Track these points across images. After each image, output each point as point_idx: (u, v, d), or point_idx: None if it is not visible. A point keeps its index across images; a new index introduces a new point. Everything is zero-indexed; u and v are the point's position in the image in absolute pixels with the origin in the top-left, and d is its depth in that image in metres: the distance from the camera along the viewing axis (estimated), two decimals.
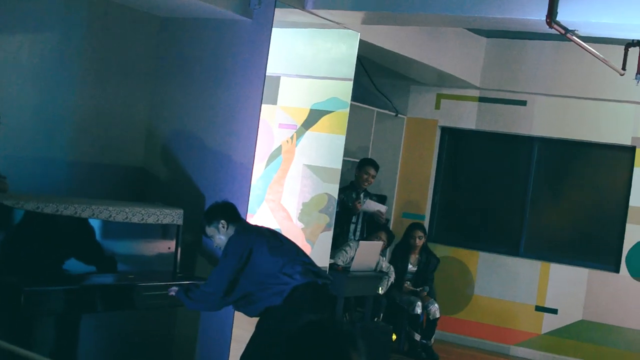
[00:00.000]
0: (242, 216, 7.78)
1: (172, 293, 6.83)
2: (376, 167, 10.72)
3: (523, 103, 11.57)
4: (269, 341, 6.43)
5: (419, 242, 10.91)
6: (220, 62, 7.95)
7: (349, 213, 10.39)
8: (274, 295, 6.57)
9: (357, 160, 11.03)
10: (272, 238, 6.84)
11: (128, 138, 8.22)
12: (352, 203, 10.36)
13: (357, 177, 10.67)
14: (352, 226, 10.49)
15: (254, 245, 6.64)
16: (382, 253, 10.23)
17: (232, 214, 6.89)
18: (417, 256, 10.95)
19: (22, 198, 6.49)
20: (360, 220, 10.60)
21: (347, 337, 2.56)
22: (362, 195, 10.61)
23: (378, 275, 9.69)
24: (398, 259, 10.75)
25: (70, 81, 7.65)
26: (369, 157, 11.25)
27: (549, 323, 11.33)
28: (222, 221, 6.79)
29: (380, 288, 10.02)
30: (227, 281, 6.58)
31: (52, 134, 7.56)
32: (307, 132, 10.17)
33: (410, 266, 10.90)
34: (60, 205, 6.64)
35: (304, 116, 10.46)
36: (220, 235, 6.77)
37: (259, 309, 6.67)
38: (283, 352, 2.56)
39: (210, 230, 6.81)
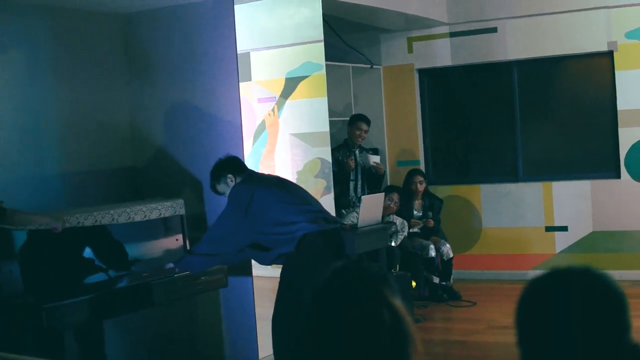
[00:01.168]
0: None
1: (170, 266, 6.91)
2: (367, 121, 10.72)
3: (494, 30, 11.55)
4: (295, 297, 6.40)
5: (420, 187, 10.94)
6: (190, 48, 7.93)
7: (345, 171, 10.40)
8: (284, 243, 6.55)
9: (344, 119, 11.02)
10: (278, 185, 6.81)
11: (114, 141, 8.20)
12: (345, 160, 10.36)
13: (349, 134, 10.68)
14: (352, 183, 10.50)
15: (255, 192, 6.62)
16: (397, 213, 10.35)
17: (237, 166, 6.89)
18: (420, 201, 10.97)
19: None
20: (359, 176, 10.61)
21: (378, 276, 2.50)
22: (356, 152, 10.62)
23: (386, 226, 9.71)
24: (403, 208, 10.76)
25: (46, 96, 7.62)
26: (354, 112, 11.24)
27: (562, 241, 11.36)
28: (229, 175, 6.82)
29: (392, 241, 10.05)
30: (226, 233, 6.61)
31: (38, 151, 7.54)
32: (287, 101, 10.17)
33: (415, 212, 10.92)
34: (64, 217, 6.62)
35: (280, 86, 10.45)
36: (229, 189, 6.79)
37: (271, 256, 6.64)
38: (314, 308, 2.48)
39: (220, 187, 6.84)
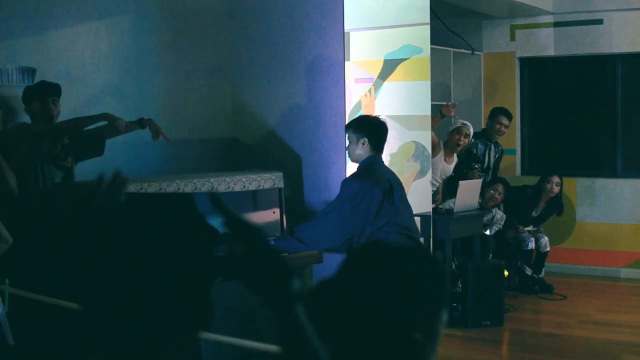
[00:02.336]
0: (341, 171, 7.75)
1: (270, 240, 6.75)
2: (509, 116, 10.56)
3: (599, 22, 11.33)
4: None
5: (555, 190, 10.65)
6: (297, 22, 7.89)
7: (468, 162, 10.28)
8: None
9: (440, 104, 10.89)
10: (387, 196, 6.59)
11: (216, 110, 8.21)
12: (469, 171, 10.20)
13: (489, 127, 10.55)
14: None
15: (367, 191, 6.38)
16: (499, 206, 10.15)
17: (378, 139, 6.59)
18: (544, 204, 10.73)
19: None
20: (489, 173, 10.53)
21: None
22: (492, 146, 10.45)
23: (482, 213, 9.59)
24: (527, 201, 10.58)
25: (150, 61, 7.65)
26: (452, 98, 11.11)
27: None
28: (366, 139, 6.49)
29: (487, 230, 9.92)
30: (330, 226, 6.43)
31: (140, 116, 7.56)
32: (385, 83, 10.07)
33: (533, 213, 10.70)
34: (163, 183, 6.64)
35: (379, 68, 10.36)
36: (355, 148, 6.52)
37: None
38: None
39: (350, 136, 6.56)
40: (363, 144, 6.50)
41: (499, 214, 10.12)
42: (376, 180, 6.48)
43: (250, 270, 1.93)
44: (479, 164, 10.31)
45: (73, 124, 6.49)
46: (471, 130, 10.06)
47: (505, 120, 10.43)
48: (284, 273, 1.97)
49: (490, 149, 10.47)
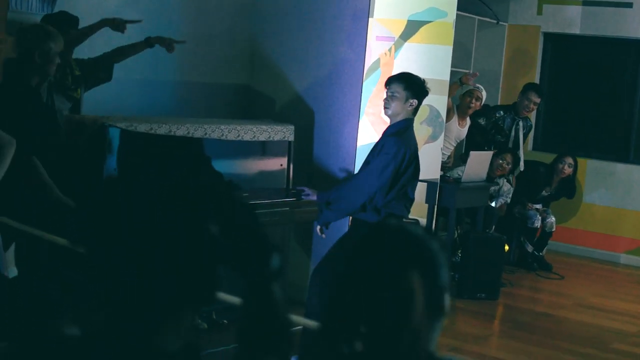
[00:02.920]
0: (354, 130, 7.70)
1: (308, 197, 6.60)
2: (540, 93, 10.40)
3: (629, 5, 11.20)
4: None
5: (567, 171, 10.57)
6: None
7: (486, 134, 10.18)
8: (373, 210, 6.32)
9: (460, 71, 10.79)
10: (415, 164, 6.49)
11: (233, 56, 8.15)
12: (513, 132, 10.15)
13: (519, 101, 10.38)
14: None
15: (404, 160, 6.23)
16: (507, 178, 10.03)
17: (420, 104, 6.42)
18: (556, 184, 10.66)
19: (135, 120, 6.47)
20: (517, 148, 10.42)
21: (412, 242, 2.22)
22: (520, 122, 10.34)
23: (489, 185, 9.54)
24: (539, 178, 10.52)
25: (170, 3, 7.59)
26: (471, 67, 11.02)
27: None
28: (416, 100, 6.31)
29: (494, 202, 9.86)
30: (379, 184, 6.19)
31: (158, 56, 7.51)
32: (406, 43, 9.98)
33: (544, 192, 10.64)
34: (173, 125, 6.61)
35: (401, 28, 10.26)
36: (400, 105, 6.26)
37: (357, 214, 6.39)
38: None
39: (399, 91, 6.25)
40: (412, 105, 6.31)
41: (507, 186, 10.04)
42: (412, 146, 6.39)
43: (230, 247, 1.91)
44: (504, 137, 10.22)
45: (76, 36, 6.40)
46: (484, 94, 9.98)
47: (535, 97, 10.25)
48: (264, 250, 1.94)
49: (518, 123, 10.35)
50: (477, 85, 9.94)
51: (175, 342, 1.89)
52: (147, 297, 1.85)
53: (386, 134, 6.39)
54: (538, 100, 10.32)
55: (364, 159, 6.48)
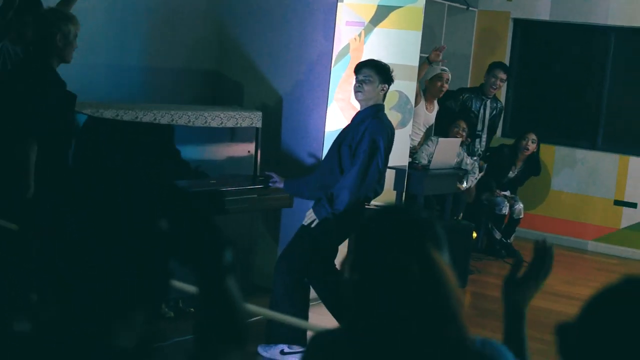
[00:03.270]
0: (322, 116, 7.66)
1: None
2: (506, 70, 10.41)
3: None
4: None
5: (531, 147, 10.57)
6: None
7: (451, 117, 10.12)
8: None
9: (427, 56, 10.75)
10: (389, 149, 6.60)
11: (201, 41, 8.08)
12: (481, 114, 10.10)
13: (485, 81, 10.36)
14: (477, 135, 10.22)
15: (387, 146, 6.40)
16: (465, 149, 9.93)
17: (388, 91, 6.57)
18: (521, 163, 10.65)
19: (101, 106, 6.40)
20: (485, 129, 10.34)
21: (421, 224, 2.33)
22: (487, 102, 10.30)
23: (457, 172, 9.52)
24: (504, 160, 10.51)
25: None
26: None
27: (628, 217, 11.14)
28: (387, 86, 6.46)
29: (464, 183, 9.80)
30: (364, 173, 6.28)
31: (124, 40, 7.45)
32: (376, 28, 9.94)
33: (511, 173, 10.64)
34: (140, 112, 6.54)
35: (371, 12, 10.22)
36: (373, 89, 6.38)
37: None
38: (354, 240, 2.37)
39: (372, 76, 6.38)
40: (382, 90, 6.44)
41: (469, 160, 9.92)
42: (390, 129, 6.51)
43: (183, 242, 1.91)
44: (475, 118, 10.17)
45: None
46: (450, 76, 9.94)
47: (501, 74, 10.24)
48: (217, 246, 1.94)
49: (486, 104, 10.32)
50: (443, 67, 9.91)
51: (129, 340, 1.88)
52: (97, 294, 1.83)
53: (363, 117, 6.40)
54: (504, 76, 10.31)
55: (339, 144, 6.44)
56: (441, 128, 10.09)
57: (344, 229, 6.37)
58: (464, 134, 9.81)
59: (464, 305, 2.32)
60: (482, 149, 10.20)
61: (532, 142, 10.54)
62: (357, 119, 6.44)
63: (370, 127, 6.33)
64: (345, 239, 6.48)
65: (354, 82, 6.51)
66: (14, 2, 6.12)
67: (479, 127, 10.21)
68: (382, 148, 6.32)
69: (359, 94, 6.41)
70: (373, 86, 6.37)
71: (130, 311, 1.88)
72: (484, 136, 10.31)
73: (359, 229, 2.39)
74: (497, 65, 10.38)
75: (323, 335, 2.57)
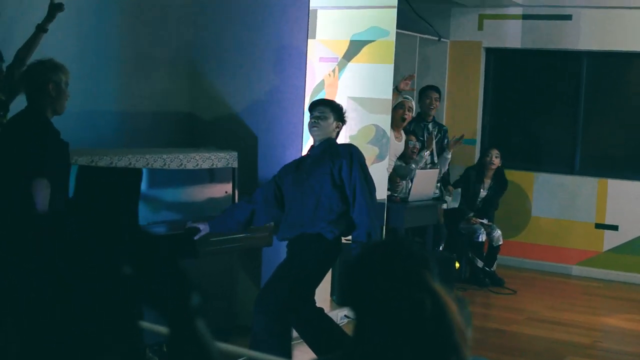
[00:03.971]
0: (298, 153, 7.65)
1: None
2: (438, 90, 10.49)
3: (568, 17, 11.28)
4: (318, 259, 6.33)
5: (496, 162, 10.60)
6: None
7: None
8: (341, 226, 6.38)
9: (396, 86, 10.77)
10: None
11: (173, 84, 8.07)
12: (425, 137, 10.05)
13: (421, 106, 10.40)
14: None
15: None
16: (422, 157, 9.94)
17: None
18: (489, 180, 10.68)
19: (76, 153, 6.36)
20: (434, 152, 10.31)
21: (419, 257, 2.35)
22: (429, 126, 10.31)
23: (436, 203, 9.52)
24: (471, 181, 10.55)
25: (110, 29, 7.50)
26: (416, 84, 11.02)
27: (610, 240, 11.14)
28: (341, 124, 6.59)
29: (446, 200, 9.80)
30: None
31: (96, 85, 7.42)
32: (349, 64, 9.97)
33: (482, 191, 10.65)
34: (114, 157, 6.51)
35: (344, 48, 10.25)
36: (330, 125, 6.50)
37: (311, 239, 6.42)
38: (344, 275, 2.40)
39: (328, 113, 6.50)
40: (337, 127, 6.57)
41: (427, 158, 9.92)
42: None
43: (150, 285, 1.90)
44: (420, 144, 10.12)
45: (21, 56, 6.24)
46: (413, 104, 9.95)
47: (434, 94, 10.34)
48: (183, 287, 1.94)
49: (427, 127, 10.31)
50: (406, 95, 9.93)
51: None
52: (66, 339, 1.81)
53: (324, 148, 6.47)
54: (437, 95, 10.40)
55: (305, 178, 6.45)
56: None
57: (323, 264, 6.36)
58: (417, 145, 9.84)
59: (466, 336, 2.31)
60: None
61: (496, 157, 10.60)
62: (317, 151, 6.49)
63: (353, 151, 6.44)
64: (326, 273, 6.46)
65: (311, 119, 6.58)
66: (24, 63, 6.09)
67: (426, 151, 10.11)
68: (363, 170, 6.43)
69: (315, 129, 6.51)
70: (328, 122, 6.49)
71: (101, 356, 1.85)
72: (434, 159, 10.21)
73: (352, 265, 2.38)
74: (427, 88, 10.51)
75: None
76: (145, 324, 2.07)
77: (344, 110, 6.67)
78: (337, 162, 6.35)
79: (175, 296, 1.94)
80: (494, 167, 10.61)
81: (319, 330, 6.39)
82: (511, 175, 11.42)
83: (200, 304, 1.97)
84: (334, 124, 6.51)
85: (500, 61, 12.00)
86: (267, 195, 6.51)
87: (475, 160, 11.35)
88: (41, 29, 6.34)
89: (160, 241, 1.97)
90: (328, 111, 6.51)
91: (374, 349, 2.25)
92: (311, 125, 6.53)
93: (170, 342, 2.00)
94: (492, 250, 10.54)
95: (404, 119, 9.80)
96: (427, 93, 10.37)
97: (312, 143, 6.65)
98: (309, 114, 6.65)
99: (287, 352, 6.39)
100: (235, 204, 7.05)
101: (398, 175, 9.58)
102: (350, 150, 6.45)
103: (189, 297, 1.96)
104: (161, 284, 1.93)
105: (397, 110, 9.77)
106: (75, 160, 6.24)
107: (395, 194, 9.11)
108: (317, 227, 6.31)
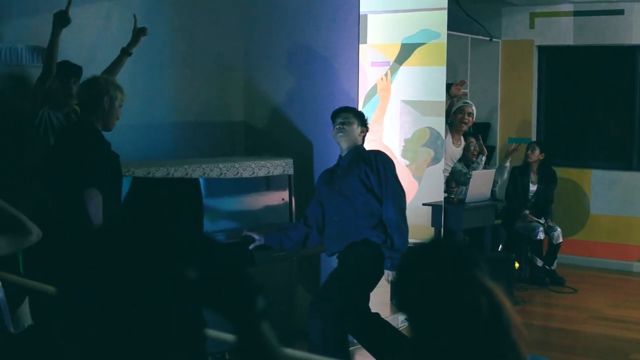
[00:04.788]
0: None
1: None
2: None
3: (620, 12, 11.18)
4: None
5: (533, 155, 10.52)
6: (312, 5, 7.80)
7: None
8: (380, 231, 6.36)
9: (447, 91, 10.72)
10: None
11: (227, 94, 8.12)
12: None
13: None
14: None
15: None
16: (479, 162, 9.94)
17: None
18: (536, 175, 10.61)
19: (132, 165, 6.43)
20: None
21: (470, 257, 2.33)
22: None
23: (493, 204, 9.48)
24: (518, 179, 10.48)
25: (162, 41, 7.56)
26: (468, 86, 10.98)
27: None
28: (365, 129, 6.62)
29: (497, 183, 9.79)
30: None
31: (149, 98, 7.49)
32: (401, 67, 9.97)
33: (531, 185, 10.56)
34: (171, 168, 6.57)
35: (395, 52, 10.25)
36: (356, 130, 6.52)
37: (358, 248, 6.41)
38: (395, 281, 2.38)
39: (352, 119, 6.52)
40: (362, 132, 6.59)
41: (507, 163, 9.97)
42: None
43: (216, 291, 1.92)
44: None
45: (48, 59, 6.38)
46: (474, 109, 9.88)
47: (468, 108, 10.04)
48: (249, 292, 1.95)
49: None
50: (466, 100, 9.89)
51: None
52: (131, 344, 1.81)
53: (353, 155, 6.49)
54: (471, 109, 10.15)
55: (339, 188, 6.47)
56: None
57: (375, 269, 6.35)
58: (476, 148, 9.82)
59: (522, 333, 2.28)
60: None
61: (533, 150, 10.51)
62: (345, 160, 6.51)
63: (380, 158, 6.46)
64: (379, 278, 6.45)
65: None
66: (52, 71, 6.24)
67: (483, 156, 10.03)
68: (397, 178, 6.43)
69: (341, 134, 6.51)
70: (353, 127, 6.51)
71: None
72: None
73: (400, 269, 2.38)
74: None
75: None
76: (210, 332, 2.08)
77: (365, 117, 6.72)
78: (366, 167, 6.38)
79: (241, 301, 1.96)
80: (533, 160, 10.51)
81: (376, 335, 6.39)
82: (568, 173, 11.34)
83: (265, 309, 1.98)
84: (359, 129, 6.53)
85: (553, 59, 11.92)
86: (317, 217, 6.57)
87: None
88: (126, 52, 6.60)
89: (225, 247, 2.00)
90: (351, 117, 6.54)
91: (431, 352, 2.25)
92: (337, 132, 6.53)
93: (236, 347, 2.01)
94: (552, 248, 10.44)
95: (464, 123, 9.75)
96: (462, 108, 10.14)
97: (340, 153, 6.63)
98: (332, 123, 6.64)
99: (346, 357, 6.39)
100: (292, 223, 7.07)
101: (455, 180, 9.56)
102: (377, 156, 6.48)
103: (255, 302, 1.97)
104: (227, 289, 1.95)
105: (457, 114, 9.73)
106: (132, 172, 6.31)
107: (452, 196, 9.09)
108: (362, 234, 6.33)
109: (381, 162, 6.39)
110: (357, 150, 6.51)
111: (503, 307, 2.25)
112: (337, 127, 6.51)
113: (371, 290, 6.49)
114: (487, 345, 2.22)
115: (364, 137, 6.60)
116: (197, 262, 1.89)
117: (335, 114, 6.61)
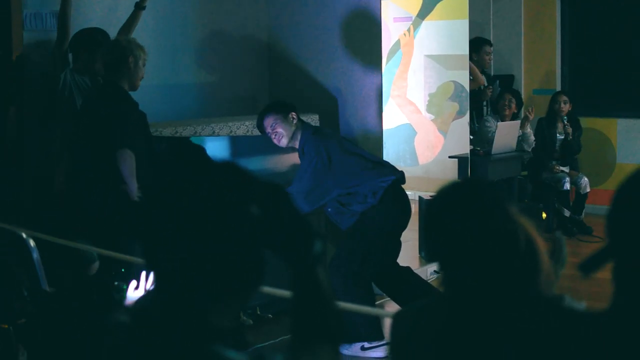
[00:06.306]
0: (378, 114, 7.69)
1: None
2: (491, 44, 10.30)
3: None
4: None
5: (564, 107, 10.44)
6: None
7: (479, 99, 10.02)
8: (367, 195, 6.31)
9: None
10: (342, 139, 6.62)
11: (251, 51, 8.16)
12: (483, 89, 9.91)
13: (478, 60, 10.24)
14: (484, 109, 10.13)
15: (328, 144, 6.30)
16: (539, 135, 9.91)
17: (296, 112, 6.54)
18: (563, 124, 10.54)
19: (159, 125, 6.49)
20: (489, 103, 10.25)
21: (497, 193, 2.39)
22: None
23: (521, 154, 9.49)
24: (545, 129, 10.42)
25: (186, 6, 7.61)
26: (491, 38, 10.95)
27: None
28: (293, 113, 6.42)
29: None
30: (309, 181, 6.27)
31: (174, 59, 7.55)
32: (424, 22, 10.00)
33: (558, 135, 10.50)
34: (198, 127, 6.63)
35: (417, 6, 10.25)
36: (287, 127, 6.39)
37: (351, 217, 6.37)
38: (425, 228, 2.41)
39: (274, 120, 6.37)
40: (293, 118, 6.45)
41: (528, 129, 9.83)
42: (325, 131, 6.72)
43: (274, 233, 1.95)
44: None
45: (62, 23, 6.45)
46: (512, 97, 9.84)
47: (488, 48, 10.05)
48: (307, 235, 1.99)
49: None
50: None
51: (225, 321, 1.92)
52: (195, 281, 1.88)
53: (300, 147, 6.43)
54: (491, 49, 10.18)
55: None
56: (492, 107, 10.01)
57: (394, 220, 6.34)
58: (513, 105, 9.75)
59: (548, 262, 2.38)
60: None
61: (565, 103, 10.39)
62: (299, 152, 6.47)
63: (306, 151, 6.35)
64: (403, 228, 6.43)
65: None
66: (67, 34, 6.31)
67: (485, 103, 9.98)
68: (309, 164, 6.29)
69: (281, 140, 6.42)
70: (281, 127, 6.38)
71: (226, 295, 1.92)
72: (489, 109, 10.08)
73: (429, 213, 2.41)
74: (484, 42, 10.18)
75: (407, 308, 2.61)
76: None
77: (281, 101, 6.62)
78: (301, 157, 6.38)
79: (300, 243, 2.00)
80: (563, 113, 10.43)
81: (407, 289, 6.41)
82: (593, 122, 11.31)
83: (322, 251, 2.02)
84: (287, 120, 6.39)
85: (576, 7, 11.84)
86: None
87: None
88: (140, 6, 6.63)
89: (282, 189, 2.02)
90: (272, 119, 6.39)
91: (466, 292, 2.29)
92: (275, 142, 6.45)
93: (294, 287, 2.06)
94: (580, 198, 10.42)
95: (507, 109, 9.67)
96: (484, 48, 10.11)
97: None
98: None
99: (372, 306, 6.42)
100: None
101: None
102: (304, 146, 6.37)
103: (313, 244, 2.01)
104: (287, 231, 1.98)
105: (499, 101, 9.67)
106: (160, 132, 6.37)
107: (478, 148, 9.10)
108: (352, 207, 6.33)
109: (304, 151, 6.35)
110: (303, 140, 6.40)
111: (537, 241, 2.29)
112: (272, 137, 6.44)
113: (389, 252, 6.46)
114: (522, 281, 2.27)
115: (297, 118, 6.45)
116: (262, 201, 1.92)
117: (259, 129, 6.53)
